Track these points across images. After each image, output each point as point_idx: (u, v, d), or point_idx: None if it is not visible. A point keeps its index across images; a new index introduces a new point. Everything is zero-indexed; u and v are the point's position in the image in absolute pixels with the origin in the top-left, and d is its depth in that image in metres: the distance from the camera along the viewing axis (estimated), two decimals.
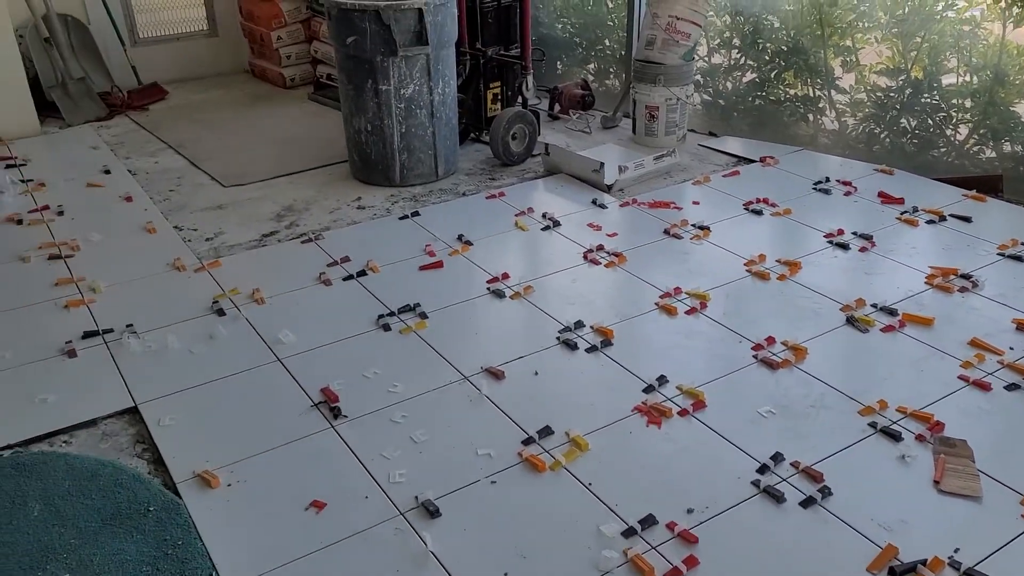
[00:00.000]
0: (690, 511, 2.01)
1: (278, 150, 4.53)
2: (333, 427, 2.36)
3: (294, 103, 5.42)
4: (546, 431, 2.29)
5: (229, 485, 2.15)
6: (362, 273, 3.19)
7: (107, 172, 4.21)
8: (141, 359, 2.68)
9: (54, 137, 4.81)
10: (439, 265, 3.24)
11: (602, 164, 3.84)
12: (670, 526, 1.97)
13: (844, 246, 3.26)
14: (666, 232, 3.44)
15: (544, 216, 3.61)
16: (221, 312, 2.94)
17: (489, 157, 4.31)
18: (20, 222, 3.65)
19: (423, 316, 2.88)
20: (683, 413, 2.35)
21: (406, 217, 3.67)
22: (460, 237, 3.44)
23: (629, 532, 1.95)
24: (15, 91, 4.68)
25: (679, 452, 2.22)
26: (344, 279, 3.15)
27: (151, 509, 2.07)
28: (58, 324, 2.88)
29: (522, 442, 2.27)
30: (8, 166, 4.28)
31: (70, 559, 1.92)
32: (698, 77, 4.80)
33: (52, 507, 2.07)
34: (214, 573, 1.88)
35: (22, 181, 4.06)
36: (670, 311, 2.87)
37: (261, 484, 2.15)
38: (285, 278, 3.17)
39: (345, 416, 2.39)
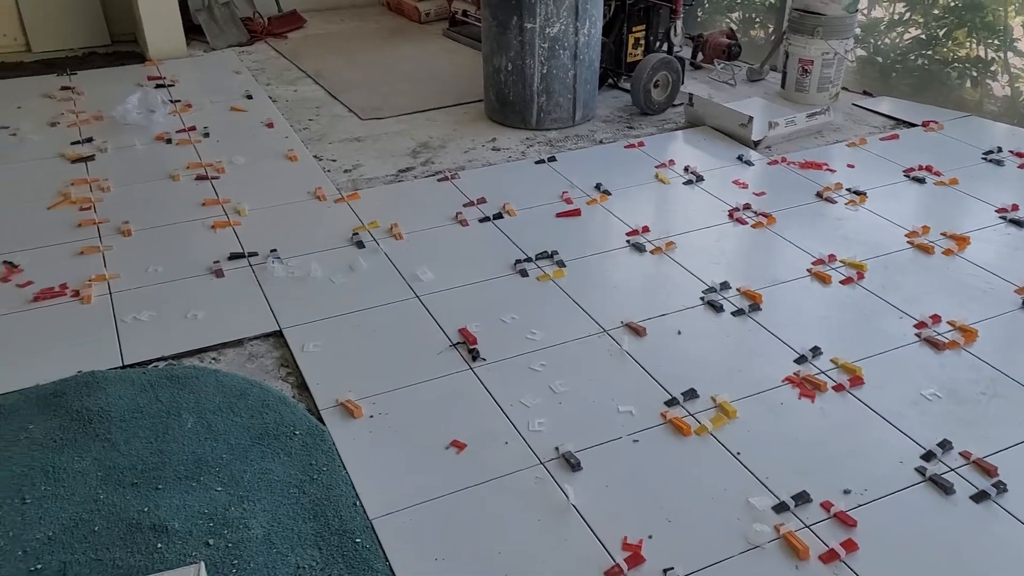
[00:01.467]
0: (847, 492, 1.90)
1: (414, 86, 4.50)
2: (471, 369, 2.34)
3: (429, 38, 5.37)
4: (691, 394, 2.21)
5: (371, 416, 2.16)
6: (498, 216, 3.14)
7: (249, 97, 4.28)
8: (285, 284, 2.72)
9: (199, 60, 4.92)
10: (576, 213, 3.16)
11: (751, 118, 3.65)
12: (825, 506, 1.87)
13: (1019, 223, 3.01)
14: (818, 195, 3.25)
15: (686, 170, 3.46)
16: (360, 244, 2.95)
17: (627, 104, 4.16)
18: (169, 141, 3.75)
19: (561, 264, 2.82)
20: (839, 388, 2.22)
21: (542, 162, 3.59)
22: (598, 186, 3.34)
23: (781, 507, 1.86)
24: (166, 13, 4.80)
25: (834, 428, 2.10)
26: (480, 220, 3.12)
27: (297, 433, 2.10)
28: (206, 243, 2.95)
29: (665, 403, 2.19)
30: (158, 86, 4.40)
31: (222, 473, 1.97)
32: (857, 31, 4.49)
33: (204, 421, 2.13)
34: (357, 502, 1.90)
35: (171, 101, 4.17)
36: (824, 279, 2.71)
37: (402, 419, 2.16)
38: (422, 215, 3.15)
39: (483, 359, 2.37)
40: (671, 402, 2.19)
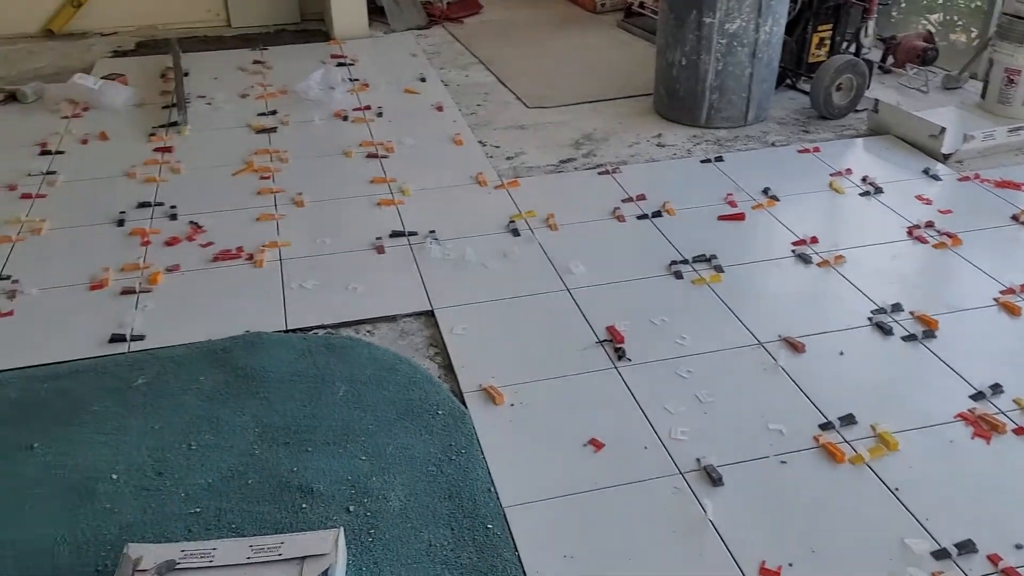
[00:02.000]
0: (1020, 547, 1.73)
1: (582, 76, 4.48)
2: (616, 368, 2.30)
3: (603, 29, 5.33)
4: (848, 419, 2.08)
5: (512, 405, 2.17)
6: (657, 214, 3.07)
7: (422, 80, 4.40)
8: (440, 265, 2.78)
9: (379, 41, 5.11)
10: (740, 217, 3.04)
11: (943, 129, 3.37)
12: (993, 559, 1.71)
13: None
14: (1014, 218, 2.97)
15: (864, 180, 3.25)
16: (516, 232, 2.97)
17: (804, 107, 3.96)
18: (345, 118, 3.92)
19: (718, 269, 2.72)
20: (1020, 431, 2.02)
21: (708, 161, 3.48)
22: (766, 191, 3.20)
23: (941, 554, 1.72)
24: None
25: (1010, 475, 1.91)
26: (638, 217, 3.06)
27: (439, 412, 2.14)
28: (370, 219, 3.06)
29: (819, 426, 2.07)
30: (339, 64, 4.61)
31: (367, 444, 2.04)
32: None
33: (355, 391, 2.21)
34: (492, 488, 1.92)
35: (350, 80, 4.36)
36: (1012, 310, 2.47)
37: (542, 411, 2.16)
38: (579, 207, 3.13)
39: (629, 359, 2.33)
40: (826, 426, 2.07)
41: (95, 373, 2.27)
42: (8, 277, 2.68)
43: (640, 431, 2.08)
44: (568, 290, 2.65)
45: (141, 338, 2.42)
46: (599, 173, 3.41)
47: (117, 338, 2.40)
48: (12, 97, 4.06)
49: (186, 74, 4.40)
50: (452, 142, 3.70)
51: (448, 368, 2.33)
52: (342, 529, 1.72)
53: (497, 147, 3.68)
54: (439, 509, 1.86)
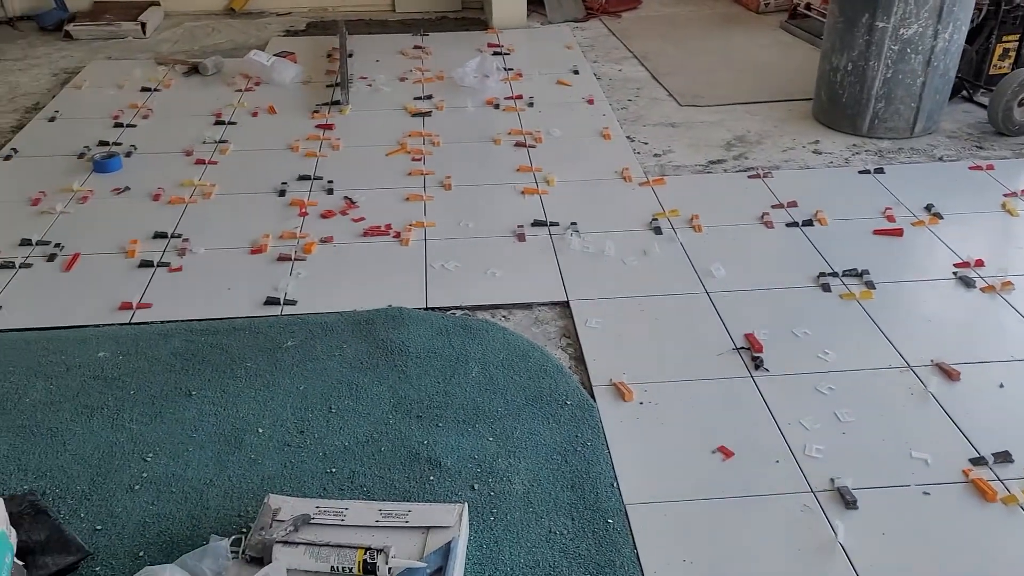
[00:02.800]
0: None
1: (739, 76, 4.37)
2: (752, 377, 2.25)
3: (764, 29, 5.16)
4: (1004, 456, 1.94)
5: (641, 403, 2.16)
6: (808, 223, 2.96)
7: (575, 72, 4.41)
8: (579, 258, 2.79)
9: (535, 32, 5.16)
10: (898, 233, 2.89)
11: None
12: None
13: None
14: None
15: None
16: (658, 230, 2.94)
17: (980, 121, 3.71)
18: (497, 107, 3.99)
19: (870, 285, 2.60)
20: None
21: (867, 172, 3.32)
22: (929, 207, 3.02)
23: None
24: None
25: None
26: (787, 225, 2.96)
27: (568, 403, 2.16)
28: (513, 207, 3.11)
29: (970, 460, 1.95)
30: (495, 53, 4.69)
31: (495, 426, 2.09)
32: None
33: (487, 373, 2.26)
34: (615, 484, 1.92)
35: (505, 69, 4.43)
36: None
37: (671, 412, 2.14)
38: (725, 209, 3.07)
39: (766, 369, 2.27)
40: (978, 460, 1.94)
41: (249, 332, 2.42)
42: (180, 235, 2.91)
43: (772, 444, 2.02)
44: (707, 293, 2.60)
45: (293, 303, 2.56)
46: (749, 176, 3.32)
47: (271, 301, 2.56)
48: (195, 69, 4.38)
49: (350, 55, 4.60)
50: (600, 136, 3.69)
51: (579, 360, 2.35)
52: (466, 505, 1.77)
53: (645, 143, 3.64)
54: (561, 498, 1.88)
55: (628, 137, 3.70)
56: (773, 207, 3.08)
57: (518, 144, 3.61)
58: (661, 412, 2.14)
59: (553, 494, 1.89)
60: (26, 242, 2.85)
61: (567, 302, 2.58)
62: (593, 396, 2.19)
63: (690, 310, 2.53)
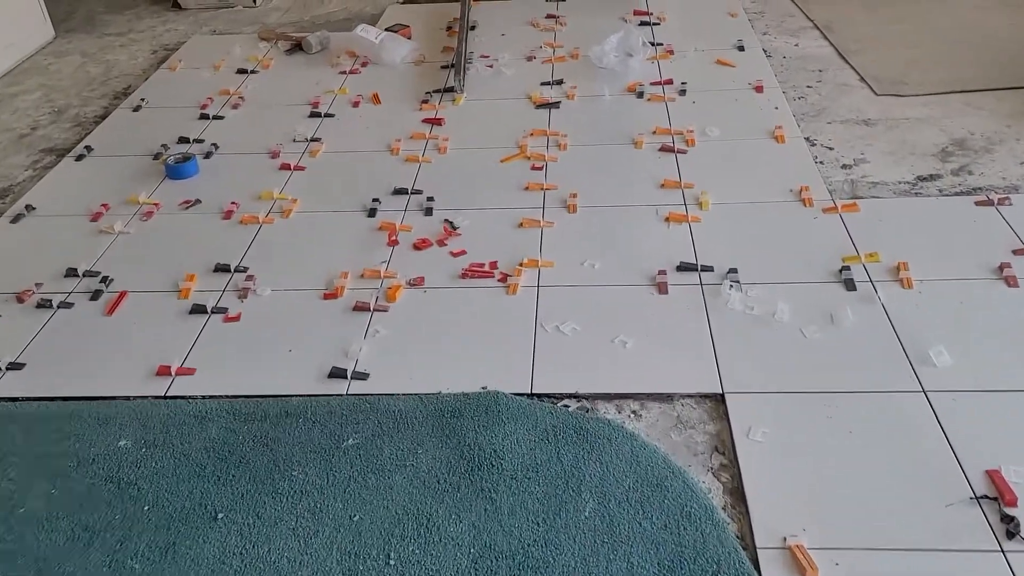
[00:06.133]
0: None
1: (954, 52, 3.42)
2: (1003, 551, 1.51)
3: None
4: None
5: None
6: None
7: (740, 49, 3.58)
8: (739, 322, 2.09)
9: None
10: None
11: None
12: None
13: None
14: None
15: None
16: (850, 284, 2.18)
17: None
18: (641, 95, 3.26)
19: None
20: None
21: None
22: None
23: None
24: None
25: None
26: None
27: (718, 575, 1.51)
28: (655, 241, 2.42)
29: None
30: (642, 23, 3.92)
31: None
32: None
33: (606, 512, 1.63)
34: None
35: (652, 44, 3.66)
36: None
37: None
38: (946, 255, 2.26)
39: (1022, 538, 1.52)
40: None
41: (304, 420, 1.89)
42: (245, 270, 2.41)
43: None
44: (924, 392, 1.85)
45: (364, 377, 2.00)
46: (977, 203, 2.47)
47: (337, 373, 2.01)
48: (298, 47, 3.88)
49: (472, 28, 3.97)
50: (771, 137, 2.91)
51: (738, 496, 1.67)
52: None
53: (830, 148, 2.84)
54: None
55: (807, 139, 2.89)
56: (1015, 253, 2.24)
57: (664, 148, 2.88)
58: None
59: None
60: (71, 272, 2.43)
61: (722, 395, 1.90)
62: (758, 567, 1.53)
63: (899, 421, 1.79)
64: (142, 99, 3.47)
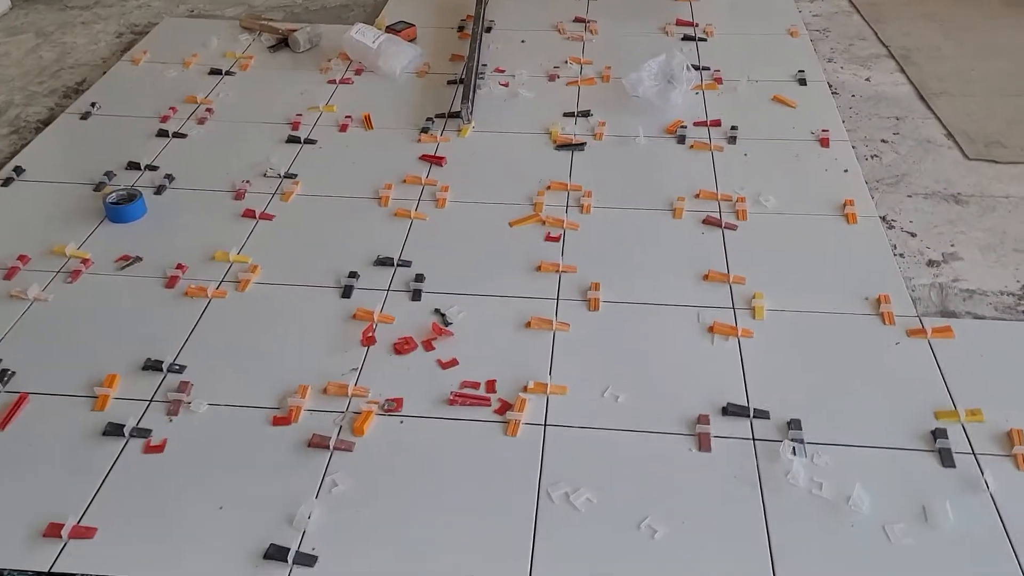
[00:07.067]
0: None
1: None
2: None
3: None
4: None
5: None
6: None
7: (802, 83, 3.02)
8: (803, 508, 1.60)
9: (743, 1, 3.74)
10: None
11: None
12: None
13: None
14: None
15: None
16: (947, 457, 1.69)
17: None
18: (682, 140, 2.72)
19: None
20: None
21: None
22: None
23: None
24: None
25: None
26: None
27: None
28: (695, 367, 1.92)
29: None
30: (685, 38, 3.35)
31: None
32: None
33: None
34: None
35: (696, 68, 3.10)
36: None
37: None
38: None
39: None
40: None
41: None
42: (180, 369, 1.92)
43: None
44: None
45: (310, 562, 1.53)
46: None
47: (275, 554, 1.54)
48: (284, 42, 3.33)
49: (488, 29, 3.41)
50: (839, 214, 2.38)
51: None
52: None
53: (912, 235, 2.32)
54: None
55: (884, 219, 2.37)
56: None
57: (709, 221, 2.36)
58: None
59: None
60: None
61: None
62: None
63: None
64: (93, 103, 2.94)
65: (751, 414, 1.79)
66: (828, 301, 2.08)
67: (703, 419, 1.77)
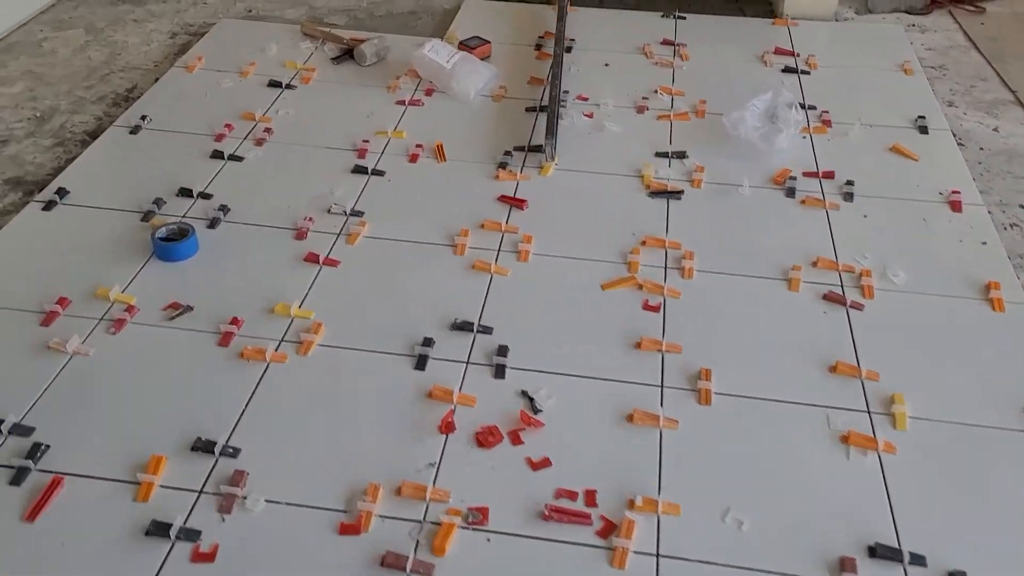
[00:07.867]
0: None
1: None
2: None
3: None
4: None
5: None
6: None
7: (923, 131, 2.71)
8: None
9: (848, 29, 3.40)
10: None
11: None
12: None
13: None
14: None
15: None
16: None
17: None
18: (792, 193, 2.42)
19: None
20: None
21: None
22: None
23: None
24: None
25: None
26: None
27: None
28: (831, 490, 1.64)
29: None
30: (786, 70, 3.04)
31: None
32: None
33: None
34: None
35: (802, 107, 2.79)
36: None
37: None
38: None
39: None
40: None
41: None
42: (235, 453, 1.68)
43: None
44: None
45: None
46: None
47: None
48: (349, 54, 3.07)
49: (568, 49, 3.13)
50: (982, 298, 2.08)
51: None
52: None
53: None
54: None
55: None
56: None
57: (831, 297, 2.08)
58: None
59: None
60: None
61: None
62: None
63: None
64: (143, 116, 2.70)
65: (906, 559, 1.52)
66: (980, 411, 1.79)
67: (848, 565, 1.50)
